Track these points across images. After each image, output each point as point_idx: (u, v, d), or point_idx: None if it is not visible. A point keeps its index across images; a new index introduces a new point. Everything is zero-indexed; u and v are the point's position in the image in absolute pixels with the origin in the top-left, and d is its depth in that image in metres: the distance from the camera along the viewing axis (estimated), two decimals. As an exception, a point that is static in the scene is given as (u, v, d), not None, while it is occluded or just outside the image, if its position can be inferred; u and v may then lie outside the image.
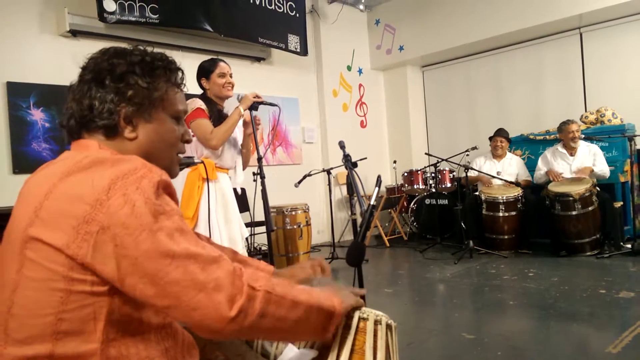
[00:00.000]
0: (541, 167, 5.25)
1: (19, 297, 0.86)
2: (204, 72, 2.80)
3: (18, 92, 4.22)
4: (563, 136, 5.14)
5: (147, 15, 4.76)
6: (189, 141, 1.17)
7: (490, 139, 5.75)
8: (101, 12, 4.48)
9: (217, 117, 2.73)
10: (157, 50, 1.09)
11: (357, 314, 1.10)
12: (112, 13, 4.55)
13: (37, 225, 0.86)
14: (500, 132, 5.69)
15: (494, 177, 5.39)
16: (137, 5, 4.70)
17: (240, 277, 0.90)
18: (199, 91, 2.86)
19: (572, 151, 5.09)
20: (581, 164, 4.99)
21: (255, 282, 0.91)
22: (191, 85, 3.05)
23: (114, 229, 0.83)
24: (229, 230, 2.72)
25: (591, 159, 4.99)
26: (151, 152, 1.07)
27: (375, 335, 1.08)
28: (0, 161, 4.16)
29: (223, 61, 2.83)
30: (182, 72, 1.12)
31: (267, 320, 0.92)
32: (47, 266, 0.85)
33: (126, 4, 4.63)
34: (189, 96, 2.82)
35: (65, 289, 0.84)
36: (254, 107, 2.76)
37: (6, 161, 4.19)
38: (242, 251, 2.82)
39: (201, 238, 1.32)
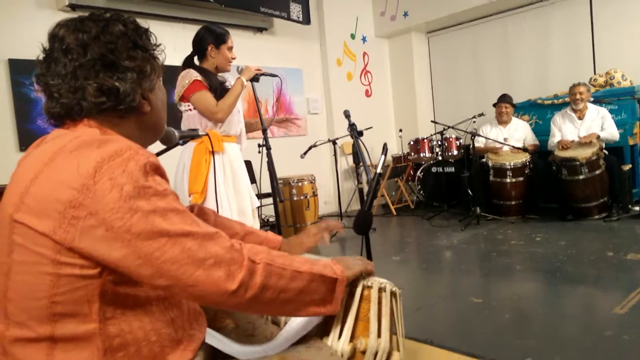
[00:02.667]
0: (555, 134, 5.14)
1: (12, 281, 0.86)
2: (216, 39, 2.68)
3: (20, 69, 4.20)
4: (570, 97, 5.08)
5: (146, -14, 4.68)
6: None
7: (495, 105, 5.67)
8: (100, -15, 4.41)
9: (220, 89, 2.69)
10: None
11: (361, 282, 1.10)
12: (111, -14, 4.48)
13: (23, 211, 0.85)
14: (504, 98, 5.60)
15: (501, 143, 5.34)
16: (136, -24, 4.61)
17: (240, 251, 0.91)
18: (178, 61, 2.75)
19: (580, 114, 5.02)
20: (589, 128, 4.92)
21: (256, 256, 0.92)
22: (181, 56, 2.90)
23: (103, 213, 0.81)
24: (239, 201, 2.71)
25: (599, 122, 4.92)
26: (158, 118, 1.07)
27: (379, 303, 1.09)
28: (7, 139, 4.17)
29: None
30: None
31: (269, 293, 0.92)
32: (34, 250, 0.84)
33: (125, -24, 4.54)
34: (174, 68, 2.73)
35: (54, 272, 0.84)
36: (255, 78, 2.76)
37: (12, 138, 4.20)
38: (254, 222, 2.83)
39: (208, 214, 1.32)
